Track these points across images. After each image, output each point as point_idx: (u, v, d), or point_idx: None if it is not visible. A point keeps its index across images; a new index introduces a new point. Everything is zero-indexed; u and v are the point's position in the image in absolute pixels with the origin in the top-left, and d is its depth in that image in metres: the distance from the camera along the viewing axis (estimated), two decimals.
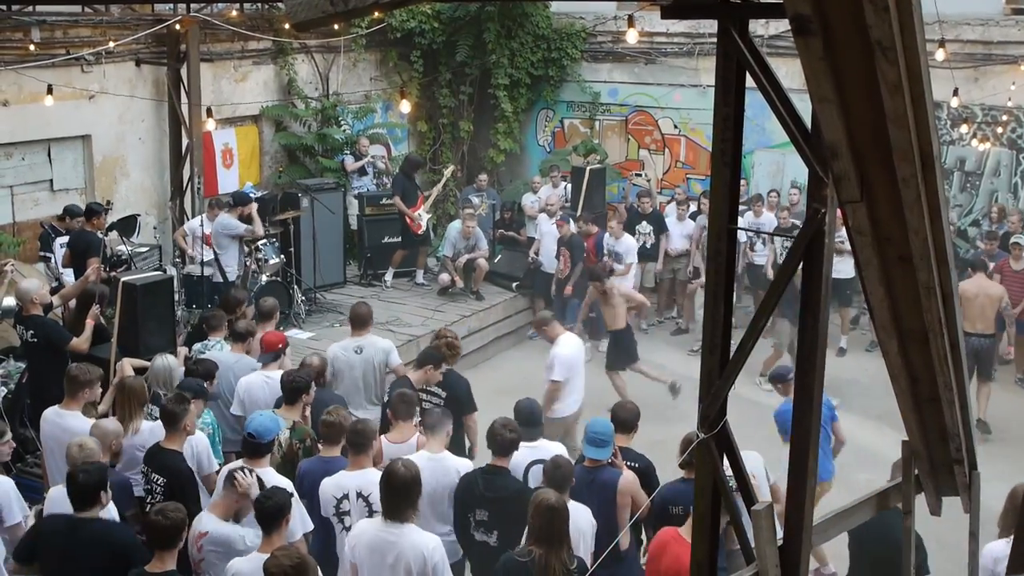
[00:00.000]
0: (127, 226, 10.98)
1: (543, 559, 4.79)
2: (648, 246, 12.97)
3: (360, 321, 8.08)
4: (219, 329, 8.14)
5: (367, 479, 5.62)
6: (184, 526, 4.91)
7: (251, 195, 11.92)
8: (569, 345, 8.58)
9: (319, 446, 6.30)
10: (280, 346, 7.76)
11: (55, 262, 10.17)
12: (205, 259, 10.85)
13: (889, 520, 4.93)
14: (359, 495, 5.61)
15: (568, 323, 12.28)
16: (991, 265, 11.35)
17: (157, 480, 5.89)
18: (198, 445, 6.25)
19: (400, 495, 4.98)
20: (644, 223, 13.06)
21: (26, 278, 8.74)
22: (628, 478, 5.88)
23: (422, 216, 12.91)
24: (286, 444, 6.34)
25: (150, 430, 6.37)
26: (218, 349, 7.89)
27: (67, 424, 6.33)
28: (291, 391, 6.61)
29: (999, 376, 11.52)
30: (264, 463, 5.74)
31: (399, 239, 13.08)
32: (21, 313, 7.97)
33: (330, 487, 5.71)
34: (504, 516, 5.67)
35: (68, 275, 9.78)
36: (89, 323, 8.04)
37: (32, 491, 6.49)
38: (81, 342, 7.90)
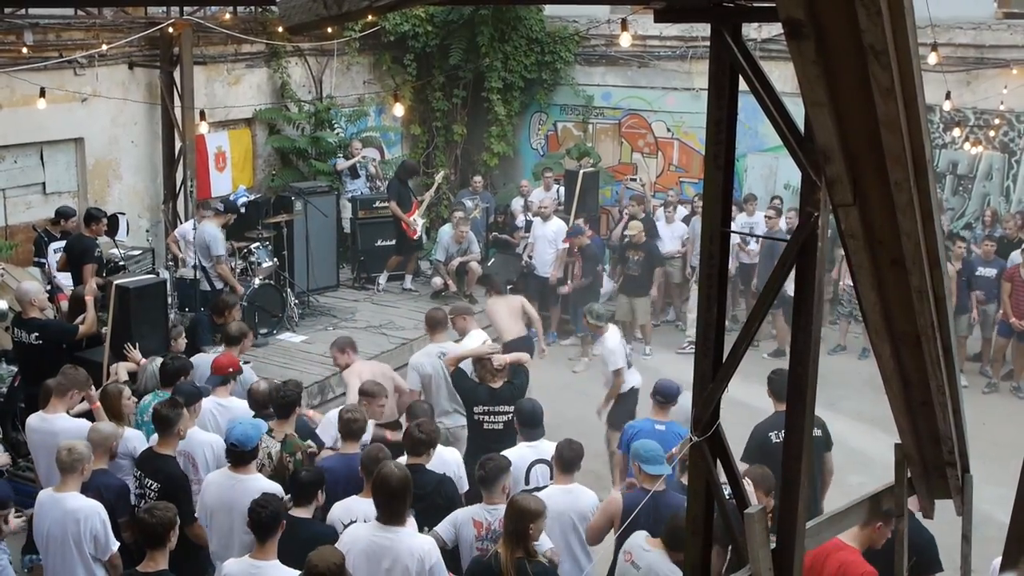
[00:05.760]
0: (111, 225, 10.89)
1: (507, 558, 4.80)
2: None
3: (436, 325, 8.07)
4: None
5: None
6: (173, 525, 4.90)
7: (238, 202, 11.88)
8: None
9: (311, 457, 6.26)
10: (231, 370, 7.10)
11: (49, 267, 10.11)
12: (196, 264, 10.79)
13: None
14: (366, 522, 5.45)
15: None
16: (994, 272, 11.39)
17: (150, 485, 5.85)
18: (216, 447, 6.22)
19: (397, 498, 4.96)
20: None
21: (19, 282, 8.70)
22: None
23: (417, 221, 12.93)
24: (277, 457, 6.16)
25: (133, 437, 6.32)
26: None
27: (56, 427, 6.30)
28: (283, 406, 6.42)
29: (999, 385, 11.65)
30: (250, 470, 5.69)
31: (393, 243, 13.13)
32: (20, 316, 7.94)
33: (339, 512, 5.60)
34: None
35: (64, 279, 9.73)
36: (88, 299, 8.02)
37: (26, 495, 6.46)
38: (89, 324, 7.92)
